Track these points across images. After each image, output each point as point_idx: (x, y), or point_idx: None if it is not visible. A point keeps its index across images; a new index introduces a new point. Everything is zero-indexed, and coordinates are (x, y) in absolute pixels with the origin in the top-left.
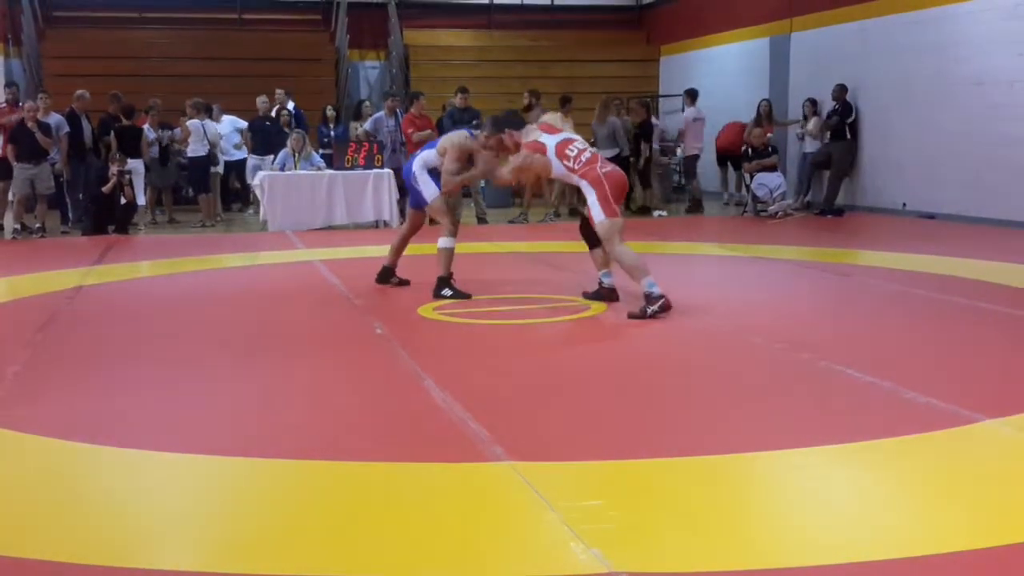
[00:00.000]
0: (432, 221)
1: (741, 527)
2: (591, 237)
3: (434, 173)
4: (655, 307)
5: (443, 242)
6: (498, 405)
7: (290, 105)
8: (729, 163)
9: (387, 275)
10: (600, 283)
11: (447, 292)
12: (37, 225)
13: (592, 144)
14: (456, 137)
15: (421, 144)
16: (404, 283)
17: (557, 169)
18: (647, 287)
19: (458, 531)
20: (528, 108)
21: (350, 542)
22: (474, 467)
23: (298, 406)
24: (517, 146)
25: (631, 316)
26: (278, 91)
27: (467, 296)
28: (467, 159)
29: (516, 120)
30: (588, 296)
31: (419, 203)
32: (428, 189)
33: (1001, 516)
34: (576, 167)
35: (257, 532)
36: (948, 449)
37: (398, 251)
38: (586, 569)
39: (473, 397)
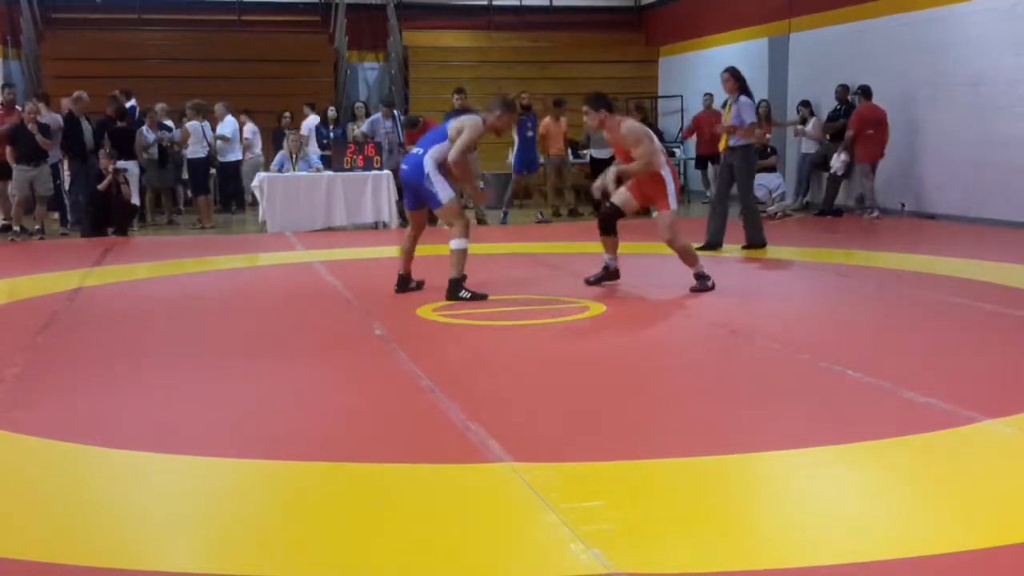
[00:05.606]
0: (434, 221)
1: (741, 527)
2: (610, 225)
3: (442, 169)
4: (709, 283)
5: (456, 243)
6: (497, 406)
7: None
8: (709, 163)
9: (405, 283)
10: (606, 266)
11: (465, 294)
12: (36, 227)
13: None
14: (471, 120)
15: None
16: (420, 285)
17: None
18: (700, 269)
19: (457, 533)
20: (464, 110)
21: (349, 543)
22: (473, 468)
23: (297, 407)
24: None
25: (694, 290)
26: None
27: (484, 297)
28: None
29: (606, 101)
30: (591, 281)
31: (419, 204)
32: (444, 192)
33: (1001, 516)
34: (664, 157)
35: (257, 533)
36: (948, 449)
37: (409, 255)
38: (586, 570)
39: (472, 398)
